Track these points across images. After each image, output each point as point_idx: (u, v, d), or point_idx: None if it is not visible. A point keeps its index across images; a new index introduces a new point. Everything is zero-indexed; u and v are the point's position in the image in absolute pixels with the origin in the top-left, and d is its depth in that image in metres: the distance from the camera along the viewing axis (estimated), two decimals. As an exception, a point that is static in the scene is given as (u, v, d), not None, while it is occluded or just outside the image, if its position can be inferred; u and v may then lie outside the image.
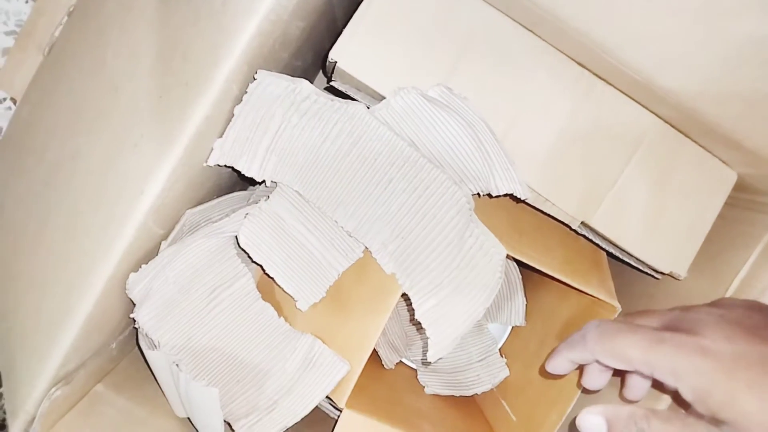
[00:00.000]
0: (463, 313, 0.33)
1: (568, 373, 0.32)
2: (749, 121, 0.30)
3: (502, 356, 0.47)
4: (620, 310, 0.37)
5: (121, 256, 0.32)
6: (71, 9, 0.53)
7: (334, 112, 0.34)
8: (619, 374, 0.32)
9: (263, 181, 0.37)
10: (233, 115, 0.33)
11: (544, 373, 0.38)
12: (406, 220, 0.33)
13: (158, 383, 0.39)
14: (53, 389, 0.33)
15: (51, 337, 0.33)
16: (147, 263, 0.35)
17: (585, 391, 0.35)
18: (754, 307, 0.28)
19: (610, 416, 0.24)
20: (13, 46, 0.59)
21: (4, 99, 0.64)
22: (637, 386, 0.31)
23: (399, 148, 0.33)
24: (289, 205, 0.37)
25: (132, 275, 0.34)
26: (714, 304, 0.29)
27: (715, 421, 0.23)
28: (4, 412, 0.70)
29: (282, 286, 0.37)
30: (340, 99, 0.34)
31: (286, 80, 0.33)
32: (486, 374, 0.46)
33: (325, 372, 0.36)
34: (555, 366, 0.30)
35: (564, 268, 0.37)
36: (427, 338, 0.33)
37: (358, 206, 0.35)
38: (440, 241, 0.33)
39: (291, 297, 0.37)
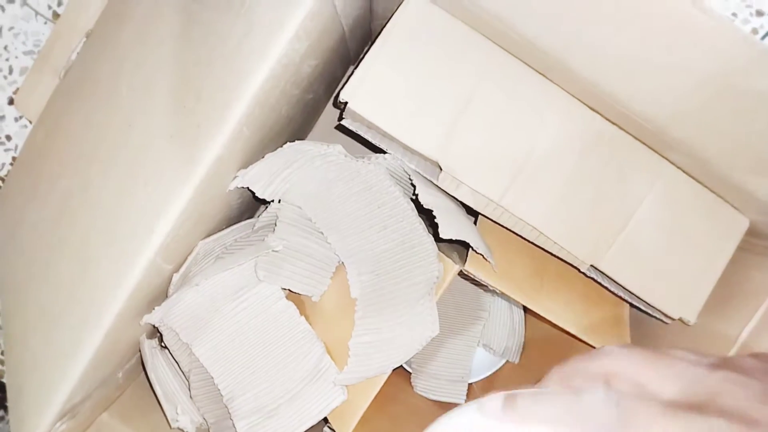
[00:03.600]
0: (383, 361, 0.36)
1: None
2: (761, 173, 0.30)
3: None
4: None
5: (130, 293, 0.32)
6: (88, 32, 0.54)
7: (356, 164, 0.36)
8: None
9: (267, 207, 0.39)
10: (246, 155, 0.34)
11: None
12: (385, 263, 0.37)
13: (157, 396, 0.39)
14: (59, 423, 0.33)
15: (60, 371, 0.33)
16: (155, 297, 0.36)
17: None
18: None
19: None
20: (30, 69, 0.60)
21: (21, 117, 0.65)
22: None
23: (403, 207, 0.36)
24: (289, 227, 0.39)
25: (146, 316, 0.35)
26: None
27: None
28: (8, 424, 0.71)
29: (296, 291, 0.39)
30: (367, 160, 0.37)
31: (320, 143, 0.36)
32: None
33: (323, 395, 0.37)
34: None
35: (580, 323, 0.37)
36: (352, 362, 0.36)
37: (351, 237, 0.37)
38: (403, 293, 0.36)
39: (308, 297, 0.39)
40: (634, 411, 0.18)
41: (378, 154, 0.37)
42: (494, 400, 0.20)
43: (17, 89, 0.63)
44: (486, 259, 0.36)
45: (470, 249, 0.37)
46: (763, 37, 0.51)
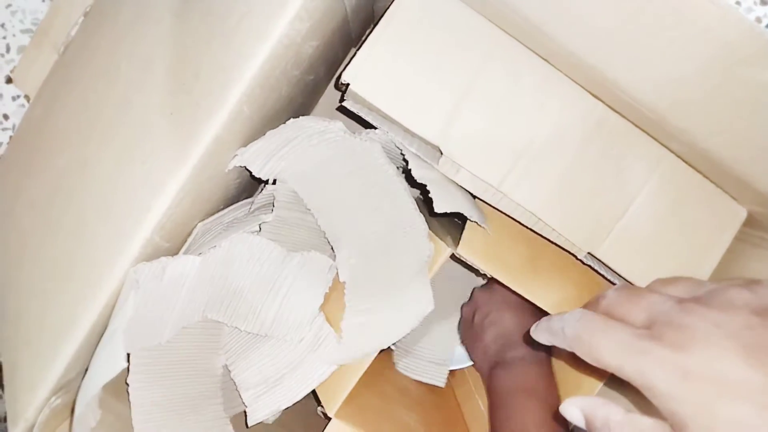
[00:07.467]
0: (374, 342, 0.36)
1: None
2: (760, 165, 0.30)
3: None
4: None
5: (126, 270, 0.32)
6: (87, 10, 0.53)
7: (352, 143, 0.36)
8: None
9: (263, 189, 0.39)
10: (245, 134, 0.34)
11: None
12: (374, 246, 0.37)
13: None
14: (54, 398, 0.34)
15: (54, 348, 0.33)
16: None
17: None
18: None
19: (587, 412, 0.23)
20: (29, 44, 0.60)
21: (18, 96, 0.64)
22: None
23: (396, 187, 0.35)
24: (286, 203, 0.39)
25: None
26: (722, 298, 0.22)
27: None
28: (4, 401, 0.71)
29: None
30: (363, 136, 0.36)
31: (322, 119, 0.36)
32: None
33: (324, 361, 0.37)
34: (537, 338, 0.28)
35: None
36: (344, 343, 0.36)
37: (340, 219, 0.38)
38: (392, 276, 0.36)
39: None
40: (587, 323, 0.24)
41: (370, 129, 0.36)
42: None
43: (14, 68, 0.62)
44: (480, 225, 0.36)
45: (462, 235, 0.37)
46: (768, 27, 0.51)
